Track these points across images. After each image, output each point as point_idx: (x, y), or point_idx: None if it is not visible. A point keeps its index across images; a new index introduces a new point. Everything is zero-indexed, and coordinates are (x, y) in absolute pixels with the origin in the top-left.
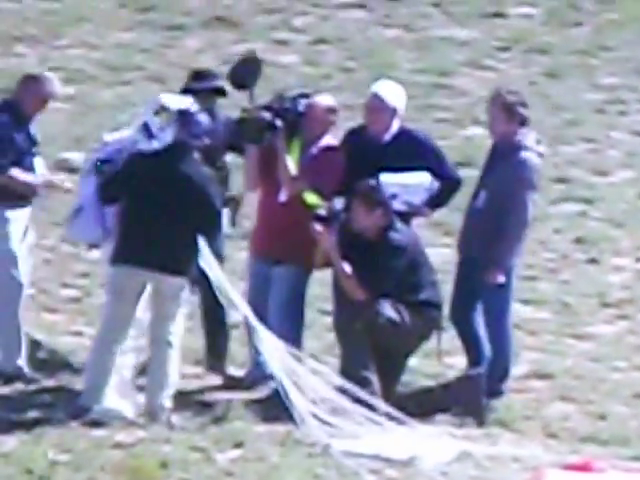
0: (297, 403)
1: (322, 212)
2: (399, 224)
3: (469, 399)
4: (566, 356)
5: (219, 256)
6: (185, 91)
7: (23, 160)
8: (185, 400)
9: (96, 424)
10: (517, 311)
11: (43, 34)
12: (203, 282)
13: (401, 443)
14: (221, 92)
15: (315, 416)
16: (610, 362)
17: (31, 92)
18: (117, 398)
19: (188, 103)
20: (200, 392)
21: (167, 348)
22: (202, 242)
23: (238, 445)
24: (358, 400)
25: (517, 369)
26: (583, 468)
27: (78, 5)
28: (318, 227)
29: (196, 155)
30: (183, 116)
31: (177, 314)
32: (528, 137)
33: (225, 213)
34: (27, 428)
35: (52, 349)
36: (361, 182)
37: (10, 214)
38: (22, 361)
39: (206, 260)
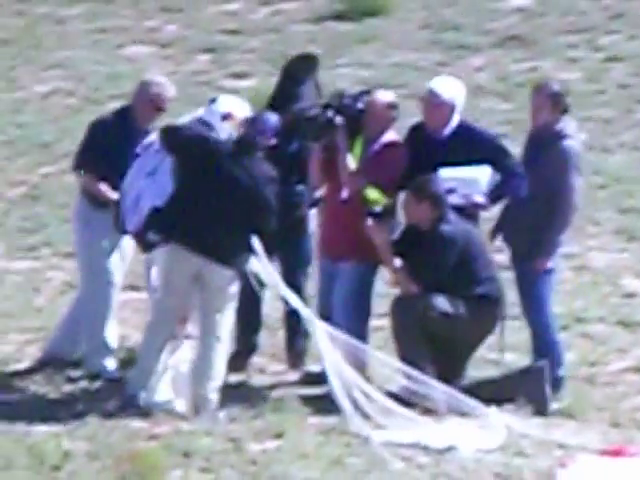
0: (344, 397)
1: (376, 208)
2: (452, 216)
3: (533, 390)
4: None
5: (307, 257)
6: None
7: (120, 167)
8: (251, 395)
9: (143, 415)
10: None
11: (322, 53)
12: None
13: (444, 433)
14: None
15: (360, 410)
16: None
17: (141, 96)
18: (170, 392)
19: (248, 109)
20: (271, 388)
21: (214, 342)
22: (256, 240)
23: (278, 436)
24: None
25: (618, 363)
26: (616, 453)
27: (374, 32)
28: (370, 222)
29: (260, 154)
30: (249, 119)
31: (226, 308)
32: (570, 125)
33: (312, 214)
34: (66, 421)
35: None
36: (416, 177)
37: (102, 215)
38: (110, 361)
39: (260, 258)
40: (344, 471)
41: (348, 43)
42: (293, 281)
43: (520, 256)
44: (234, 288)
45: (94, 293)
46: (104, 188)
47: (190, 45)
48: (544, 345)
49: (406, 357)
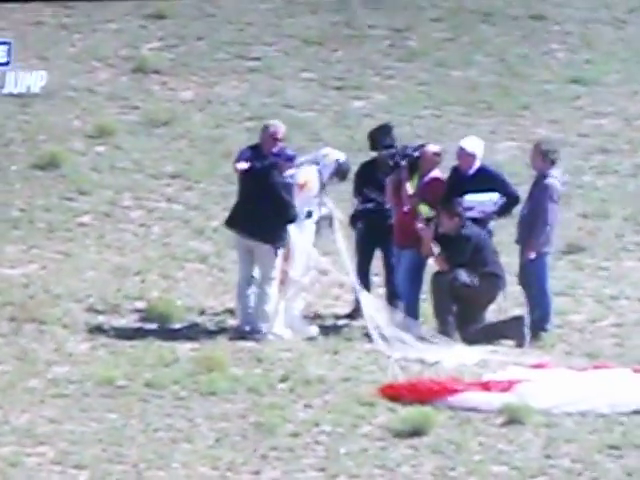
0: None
1: (423, 216)
2: (469, 223)
3: (516, 331)
4: None
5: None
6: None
7: None
8: (347, 331)
9: (259, 341)
10: None
11: None
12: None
13: (442, 354)
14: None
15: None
16: None
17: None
18: (283, 327)
19: (342, 155)
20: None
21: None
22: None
23: (335, 352)
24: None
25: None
26: (537, 366)
27: None
28: (420, 225)
29: (280, 172)
30: (339, 164)
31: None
32: (555, 171)
33: None
34: (200, 340)
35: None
36: (446, 201)
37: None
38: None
39: (338, 240)
40: (358, 372)
41: None
42: (389, 258)
43: (522, 249)
44: (274, 256)
45: None
46: None
47: None
48: (537, 306)
49: (438, 311)
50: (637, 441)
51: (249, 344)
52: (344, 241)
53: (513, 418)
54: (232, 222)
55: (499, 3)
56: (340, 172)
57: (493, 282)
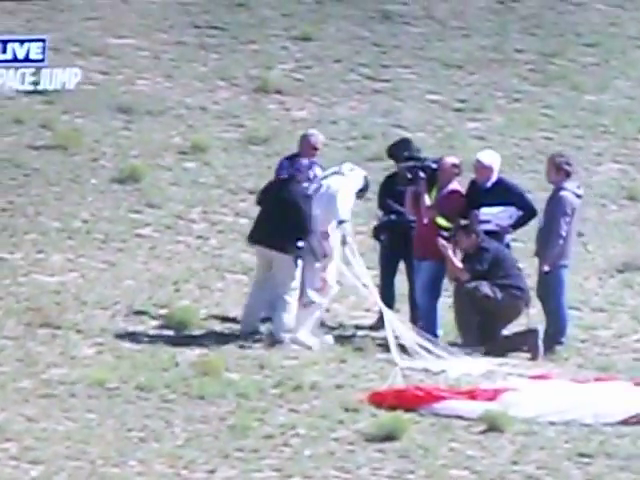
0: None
1: (444, 233)
2: (486, 237)
3: (530, 344)
4: None
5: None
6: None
7: None
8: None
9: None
10: None
11: None
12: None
13: (448, 364)
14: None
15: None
16: None
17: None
18: (308, 336)
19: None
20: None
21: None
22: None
23: (342, 361)
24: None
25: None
26: (539, 377)
27: None
28: (441, 240)
29: (299, 182)
30: (366, 180)
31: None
32: (570, 184)
33: None
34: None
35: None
36: (462, 220)
37: None
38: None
39: (351, 259)
40: (356, 380)
41: None
42: (412, 270)
43: (539, 262)
44: (293, 266)
45: None
46: None
47: None
48: (553, 319)
49: (460, 323)
50: (611, 450)
51: (258, 352)
52: (356, 254)
53: (493, 426)
54: (253, 235)
55: None
56: (365, 188)
57: (516, 296)
